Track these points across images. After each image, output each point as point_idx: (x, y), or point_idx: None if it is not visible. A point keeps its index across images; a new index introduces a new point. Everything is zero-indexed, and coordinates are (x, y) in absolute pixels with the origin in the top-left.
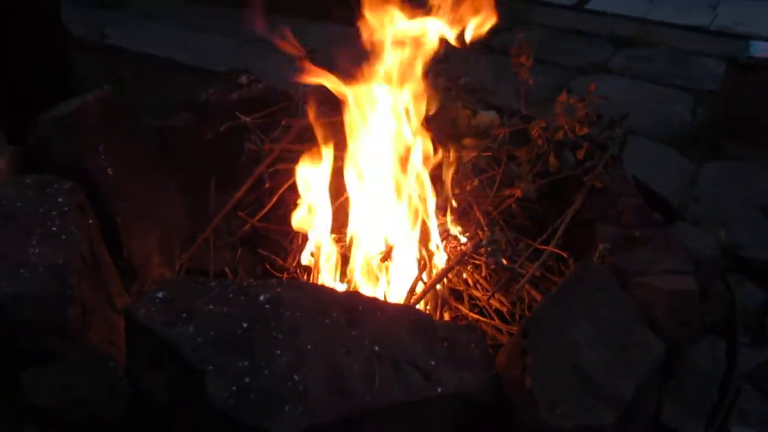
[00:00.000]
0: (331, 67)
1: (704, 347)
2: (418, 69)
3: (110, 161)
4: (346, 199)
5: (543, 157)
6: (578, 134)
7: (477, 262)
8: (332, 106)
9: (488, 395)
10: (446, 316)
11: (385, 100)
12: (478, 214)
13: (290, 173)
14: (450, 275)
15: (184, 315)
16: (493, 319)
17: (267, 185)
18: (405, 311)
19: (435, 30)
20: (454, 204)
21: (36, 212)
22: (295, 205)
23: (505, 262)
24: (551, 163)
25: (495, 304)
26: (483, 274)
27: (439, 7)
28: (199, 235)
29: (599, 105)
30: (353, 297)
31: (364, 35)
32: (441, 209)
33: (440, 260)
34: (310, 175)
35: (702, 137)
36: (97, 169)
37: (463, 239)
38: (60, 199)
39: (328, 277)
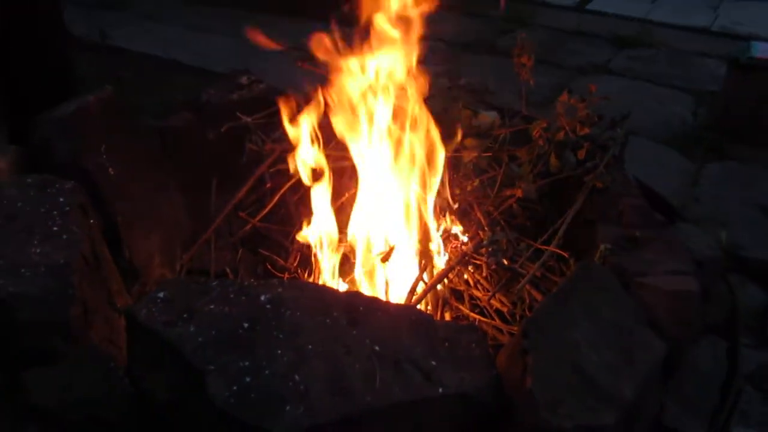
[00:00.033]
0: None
1: (705, 348)
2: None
3: (111, 161)
4: (347, 199)
5: (544, 158)
6: (579, 134)
7: (478, 262)
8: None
9: (489, 395)
10: (447, 316)
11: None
12: (479, 214)
13: (291, 173)
14: (451, 275)
15: (185, 315)
16: (493, 319)
17: (268, 185)
18: (406, 311)
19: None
20: (455, 204)
21: (37, 212)
22: (296, 205)
23: (506, 262)
24: (552, 164)
25: (496, 304)
26: (484, 274)
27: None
28: (200, 235)
29: (600, 105)
30: (354, 297)
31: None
32: (442, 209)
33: (441, 260)
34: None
35: (703, 138)
36: (98, 169)
37: (464, 239)
38: (61, 199)
39: (329, 277)
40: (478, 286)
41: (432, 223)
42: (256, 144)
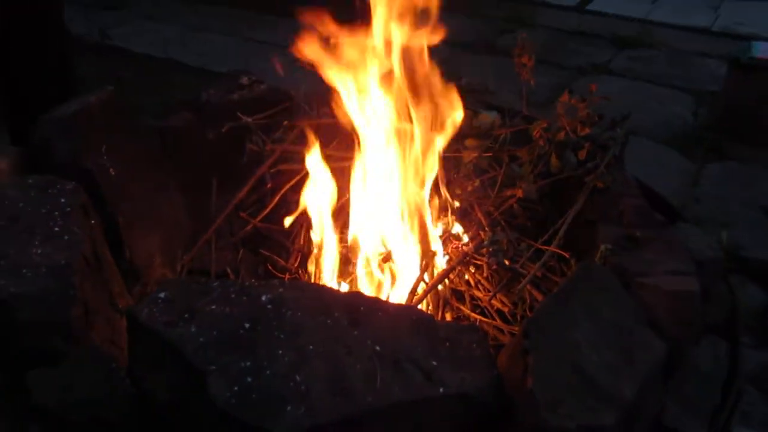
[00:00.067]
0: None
1: (705, 348)
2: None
3: (112, 161)
4: (348, 200)
5: (544, 158)
6: (580, 135)
7: (479, 262)
8: (332, 107)
9: (490, 395)
10: (448, 317)
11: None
12: (479, 214)
13: (292, 174)
14: (452, 275)
15: (186, 315)
16: (494, 319)
17: (269, 186)
18: (407, 311)
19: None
20: (456, 204)
21: (38, 213)
22: (297, 205)
23: (506, 262)
24: (553, 164)
25: (497, 304)
26: (484, 274)
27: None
28: (201, 235)
29: (601, 105)
30: (355, 297)
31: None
32: (442, 210)
33: (442, 260)
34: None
35: (703, 138)
36: (99, 169)
37: (465, 239)
38: (62, 200)
39: (329, 278)
40: (479, 286)
41: (432, 223)
42: (256, 144)
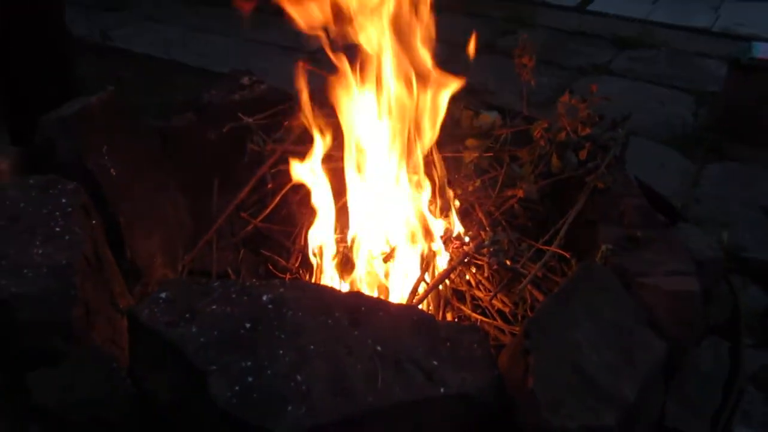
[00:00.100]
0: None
1: (706, 348)
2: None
3: (113, 161)
4: (348, 200)
5: (545, 158)
6: (580, 135)
7: (479, 262)
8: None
9: (490, 395)
10: (449, 317)
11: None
12: (480, 214)
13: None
14: (452, 275)
15: (187, 315)
16: (495, 319)
17: (269, 186)
18: (407, 311)
19: None
20: (457, 204)
21: (39, 213)
22: (298, 205)
23: (507, 262)
24: (553, 164)
25: (497, 304)
26: (485, 274)
27: None
28: (202, 235)
29: (601, 106)
30: (356, 297)
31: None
32: (443, 210)
33: (443, 261)
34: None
35: (704, 138)
36: (100, 169)
37: (466, 239)
38: (63, 200)
39: (330, 278)
40: (480, 286)
41: (434, 224)
42: (257, 144)
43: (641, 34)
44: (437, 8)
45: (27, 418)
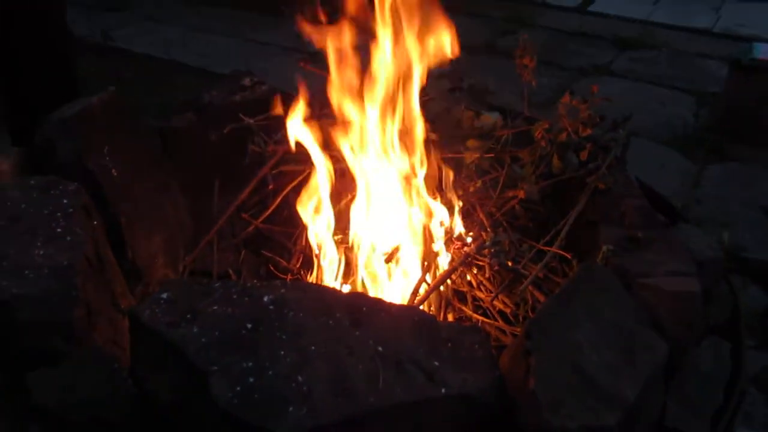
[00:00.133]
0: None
1: (707, 348)
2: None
3: (114, 162)
4: (349, 200)
5: (546, 159)
6: (581, 136)
7: (481, 263)
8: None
9: (492, 396)
10: (450, 317)
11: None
12: (481, 215)
13: (294, 175)
14: (454, 276)
15: (188, 316)
16: (496, 320)
17: (270, 187)
18: (409, 312)
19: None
20: (458, 205)
21: (41, 214)
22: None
23: (508, 263)
24: (554, 165)
25: (498, 305)
26: (487, 275)
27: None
28: (203, 236)
29: (602, 106)
30: (357, 298)
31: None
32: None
33: (444, 261)
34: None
35: (704, 139)
36: (102, 170)
37: (467, 240)
38: (65, 201)
39: (331, 278)
40: (481, 287)
41: (435, 224)
42: (258, 145)
43: (642, 35)
44: None
45: (27, 418)
